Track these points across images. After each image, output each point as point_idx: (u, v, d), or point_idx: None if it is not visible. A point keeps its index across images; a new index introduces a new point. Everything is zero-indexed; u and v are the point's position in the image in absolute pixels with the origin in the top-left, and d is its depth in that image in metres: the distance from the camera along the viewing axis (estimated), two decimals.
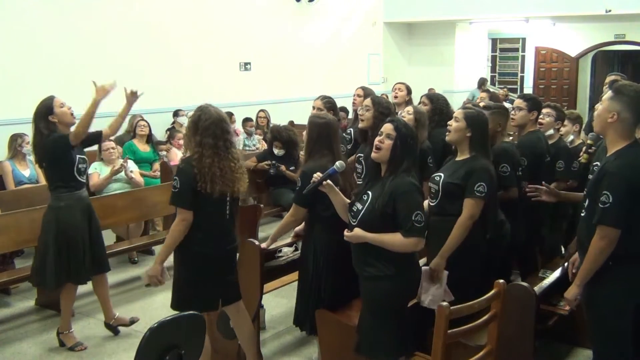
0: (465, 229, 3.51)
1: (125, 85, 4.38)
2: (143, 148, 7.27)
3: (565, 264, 3.76)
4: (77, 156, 4.32)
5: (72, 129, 4.26)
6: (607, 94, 3.03)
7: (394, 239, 3.04)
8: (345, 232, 3.17)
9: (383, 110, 4.29)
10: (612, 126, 2.94)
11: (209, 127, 3.40)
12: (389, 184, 3.09)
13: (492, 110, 4.26)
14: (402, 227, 3.03)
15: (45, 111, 4.22)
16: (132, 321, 4.68)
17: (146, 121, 7.43)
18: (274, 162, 6.62)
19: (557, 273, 4.12)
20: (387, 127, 3.17)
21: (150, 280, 3.56)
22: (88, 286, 4.63)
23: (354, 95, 5.56)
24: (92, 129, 4.35)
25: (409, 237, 3.02)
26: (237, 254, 3.79)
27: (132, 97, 4.39)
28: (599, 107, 3.06)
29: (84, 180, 4.43)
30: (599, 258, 2.88)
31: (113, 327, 4.68)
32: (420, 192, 3.16)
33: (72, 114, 4.30)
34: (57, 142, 4.18)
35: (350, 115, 8.00)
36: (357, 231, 3.11)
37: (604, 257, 2.88)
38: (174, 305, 3.54)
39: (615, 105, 2.93)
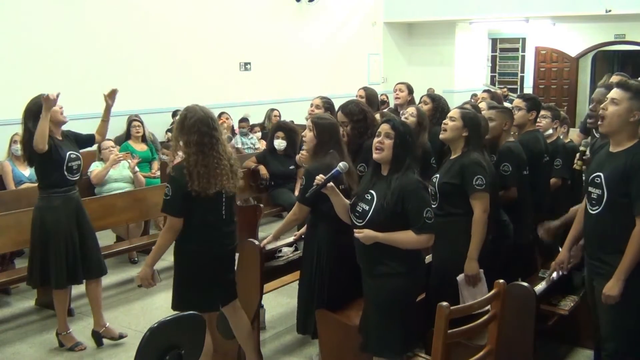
0: (484, 224, 3.51)
1: (115, 87, 4.43)
2: (140, 147, 7.24)
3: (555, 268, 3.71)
4: (68, 153, 4.17)
5: (97, 133, 4.46)
6: (619, 93, 3.02)
7: (406, 237, 3.05)
8: (356, 232, 3.13)
9: (358, 118, 4.21)
10: (631, 125, 2.98)
11: (194, 125, 3.39)
12: (394, 182, 3.08)
13: (498, 110, 4.27)
14: (413, 225, 3.05)
15: (35, 109, 4.05)
16: (121, 336, 4.46)
17: (139, 121, 7.41)
18: (263, 181, 6.69)
19: (557, 273, 4.11)
20: (385, 127, 3.16)
21: (142, 282, 3.59)
22: None
23: (356, 97, 5.53)
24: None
25: (421, 234, 3.04)
26: (237, 254, 3.79)
27: (111, 97, 4.36)
28: (608, 106, 3.04)
29: (75, 179, 4.26)
30: None
31: (99, 336, 4.45)
32: (426, 189, 3.19)
33: (62, 113, 4.19)
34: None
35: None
36: (368, 231, 3.08)
37: None
38: (173, 306, 3.54)
39: (638, 105, 2.97)
